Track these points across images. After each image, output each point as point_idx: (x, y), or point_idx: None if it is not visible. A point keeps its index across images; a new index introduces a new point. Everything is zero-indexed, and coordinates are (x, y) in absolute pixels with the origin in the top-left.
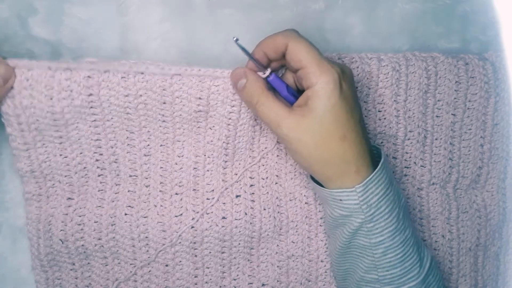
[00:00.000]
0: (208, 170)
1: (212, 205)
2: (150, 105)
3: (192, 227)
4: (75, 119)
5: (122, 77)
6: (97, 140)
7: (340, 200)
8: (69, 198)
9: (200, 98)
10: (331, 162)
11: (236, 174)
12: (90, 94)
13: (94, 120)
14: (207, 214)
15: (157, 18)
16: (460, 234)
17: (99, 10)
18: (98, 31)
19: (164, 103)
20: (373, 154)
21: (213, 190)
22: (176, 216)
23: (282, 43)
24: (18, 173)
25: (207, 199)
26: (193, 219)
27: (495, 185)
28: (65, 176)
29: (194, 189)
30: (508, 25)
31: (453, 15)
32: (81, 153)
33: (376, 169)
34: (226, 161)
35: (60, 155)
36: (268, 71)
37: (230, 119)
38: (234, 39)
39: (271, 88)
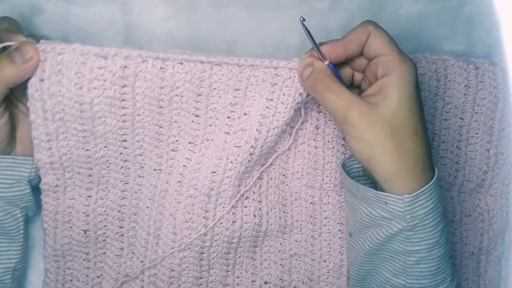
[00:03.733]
0: (227, 177)
1: (223, 215)
2: (185, 97)
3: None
4: (103, 113)
5: (161, 68)
6: (123, 135)
7: (386, 203)
8: (88, 189)
9: (237, 90)
10: (401, 156)
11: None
12: (124, 85)
13: (124, 115)
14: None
15: (161, 17)
16: (463, 238)
17: (104, 10)
18: (103, 31)
19: (200, 95)
20: None
21: (227, 198)
22: (186, 222)
23: (365, 31)
24: (37, 164)
25: (220, 204)
26: (204, 226)
27: (499, 190)
28: (85, 168)
29: (207, 195)
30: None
31: (458, 17)
32: (105, 147)
33: (431, 182)
34: (246, 167)
35: (82, 148)
36: (327, 61)
37: (264, 117)
38: (301, 19)
39: None
